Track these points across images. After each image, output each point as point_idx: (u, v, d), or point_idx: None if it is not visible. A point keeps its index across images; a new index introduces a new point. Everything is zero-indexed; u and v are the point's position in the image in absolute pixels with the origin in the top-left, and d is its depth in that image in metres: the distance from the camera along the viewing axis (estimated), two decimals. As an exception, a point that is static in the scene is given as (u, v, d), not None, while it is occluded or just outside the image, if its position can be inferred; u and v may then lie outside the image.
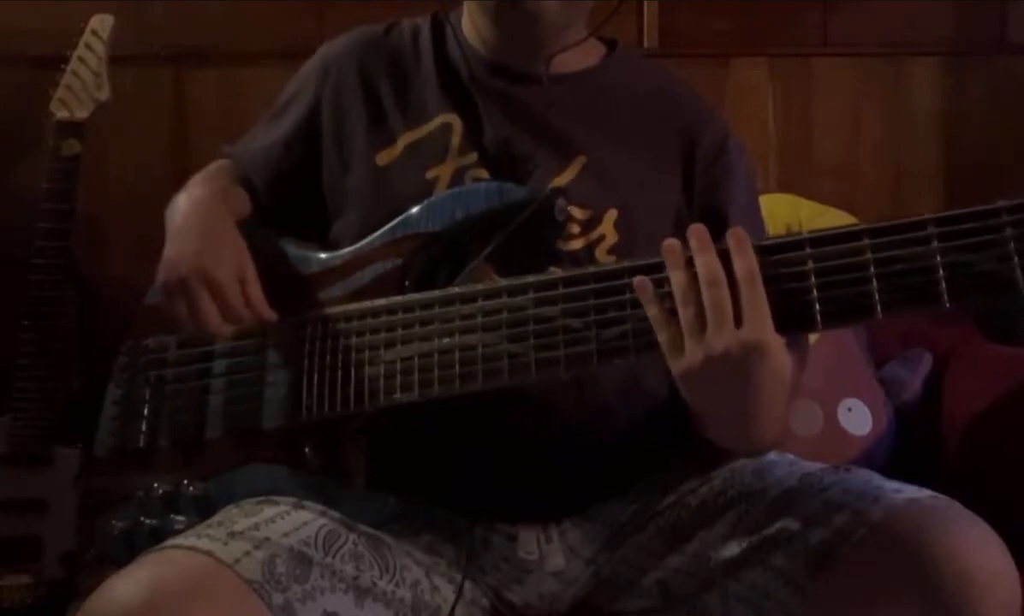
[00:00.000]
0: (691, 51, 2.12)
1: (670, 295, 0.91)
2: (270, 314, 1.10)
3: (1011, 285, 0.83)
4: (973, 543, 0.89)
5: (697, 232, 0.91)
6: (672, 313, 0.90)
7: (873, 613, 0.91)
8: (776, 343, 0.89)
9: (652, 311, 0.91)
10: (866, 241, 0.87)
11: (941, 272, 0.85)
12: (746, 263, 0.88)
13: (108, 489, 1.18)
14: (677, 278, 0.90)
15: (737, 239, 0.89)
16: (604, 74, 1.24)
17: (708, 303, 0.88)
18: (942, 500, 0.95)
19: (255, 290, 1.10)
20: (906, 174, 2.19)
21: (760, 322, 0.88)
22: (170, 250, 1.10)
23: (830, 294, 0.88)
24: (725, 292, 0.88)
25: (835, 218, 1.95)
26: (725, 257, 0.89)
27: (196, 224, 1.12)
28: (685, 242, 0.92)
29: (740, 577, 1.03)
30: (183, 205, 1.15)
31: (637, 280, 0.92)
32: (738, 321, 0.88)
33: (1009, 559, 0.90)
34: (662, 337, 0.91)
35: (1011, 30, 2.16)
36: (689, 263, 0.90)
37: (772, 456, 1.13)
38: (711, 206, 1.19)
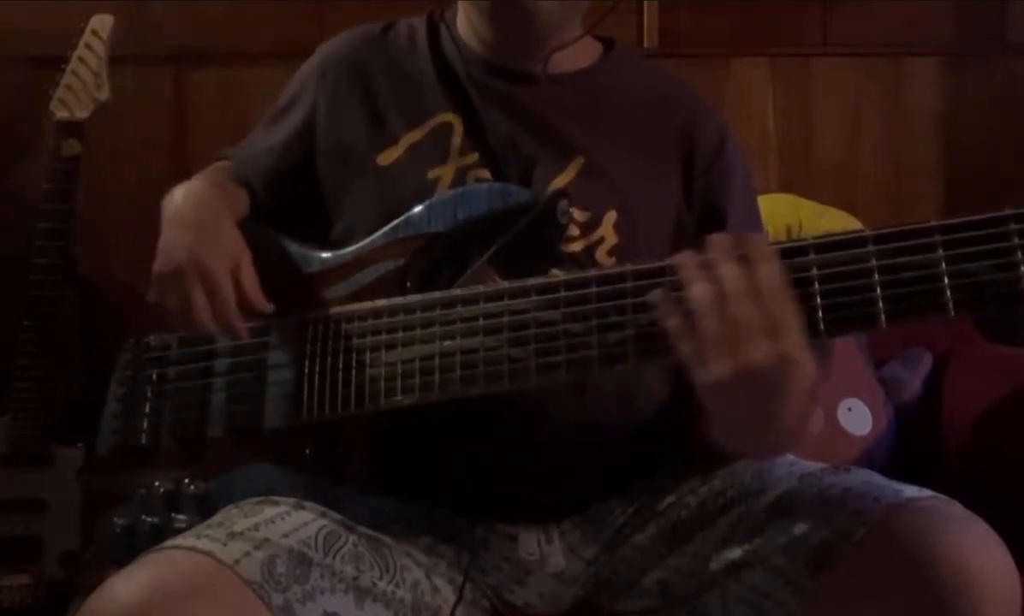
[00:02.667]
0: (691, 51, 2.13)
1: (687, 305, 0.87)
2: (264, 304, 1.09)
3: (1018, 295, 0.82)
4: (973, 543, 0.89)
5: (716, 243, 0.88)
6: (693, 326, 0.87)
7: (873, 613, 0.91)
8: (807, 356, 0.86)
9: (673, 323, 0.88)
10: (871, 248, 0.86)
11: (947, 281, 0.83)
12: (773, 272, 0.86)
13: (109, 487, 1.18)
14: (699, 291, 0.87)
15: (755, 249, 0.86)
16: (602, 74, 1.24)
17: (737, 317, 0.85)
18: (942, 500, 0.95)
19: (250, 279, 1.09)
20: (906, 174, 2.19)
21: (793, 335, 0.85)
22: (165, 240, 1.10)
23: (834, 302, 0.87)
24: (753, 305, 0.85)
25: (835, 218, 1.96)
26: (743, 264, 0.86)
27: (191, 213, 1.12)
28: (681, 248, 0.90)
29: (740, 577, 1.03)
30: (179, 196, 1.14)
31: (655, 297, 0.89)
32: (768, 334, 0.85)
33: (1009, 559, 0.90)
34: (685, 350, 0.87)
35: (1011, 30, 2.16)
36: (704, 274, 0.87)
37: (772, 456, 1.13)
38: (710, 206, 1.19)
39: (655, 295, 0.90)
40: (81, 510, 1.74)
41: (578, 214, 1.13)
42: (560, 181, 1.15)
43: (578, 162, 1.17)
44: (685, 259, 0.89)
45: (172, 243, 1.09)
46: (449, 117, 1.19)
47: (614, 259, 1.13)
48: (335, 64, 1.24)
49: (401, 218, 1.12)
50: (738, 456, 1.10)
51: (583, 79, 1.23)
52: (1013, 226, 0.83)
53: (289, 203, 1.23)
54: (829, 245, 0.88)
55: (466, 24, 1.24)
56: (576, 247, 1.13)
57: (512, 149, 1.16)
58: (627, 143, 1.19)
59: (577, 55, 1.22)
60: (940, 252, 0.84)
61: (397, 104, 1.21)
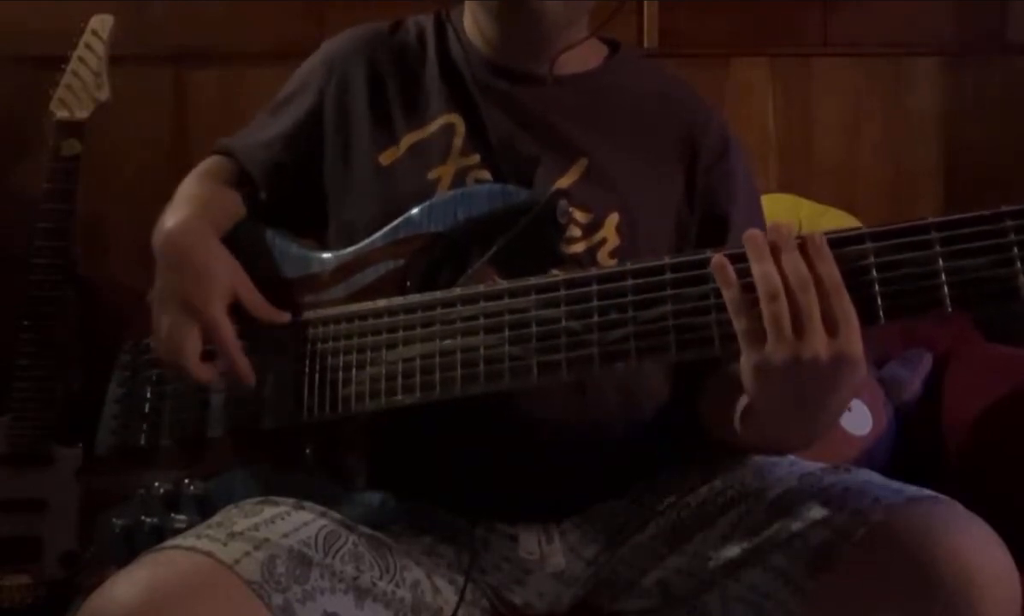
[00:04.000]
0: (691, 51, 2.13)
1: (750, 285, 0.87)
2: (280, 316, 1.10)
3: (1014, 291, 0.82)
4: (973, 543, 0.89)
5: (780, 230, 0.88)
6: (753, 302, 0.87)
7: (873, 613, 0.91)
8: (862, 356, 0.86)
9: (731, 295, 0.87)
10: (868, 245, 0.86)
11: (944, 277, 0.84)
12: (831, 270, 0.85)
13: (109, 488, 1.18)
14: (763, 270, 0.86)
15: (815, 244, 0.86)
16: (606, 76, 1.24)
17: (800, 305, 0.85)
18: (942, 500, 0.95)
19: (252, 299, 1.09)
20: (906, 174, 2.19)
21: (854, 334, 0.85)
22: (158, 287, 1.10)
23: None
24: (815, 297, 0.85)
25: (835, 218, 1.95)
26: (805, 255, 0.86)
27: (179, 252, 1.11)
28: (683, 250, 0.90)
29: (740, 577, 1.03)
30: (168, 231, 1.13)
31: (716, 260, 0.89)
32: (829, 329, 0.85)
33: (1009, 559, 0.90)
34: (740, 325, 0.87)
35: (1011, 30, 2.16)
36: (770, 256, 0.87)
37: (772, 456, 1.13)
38: (713, 208, 1.19)
39: (716, 260, 0.89)
40: (81, 510, 1.74)
41: (580, 216, 1.13)
42: (563, 183, 1.15)
43: (581, 164, 1.17)
44: (755, 235, 0.88)
45: (167, 287, 1.09)
46: (452, 118, 1.19)
47: (616, 261, 1.12)
48: (342, 60, 1.24)
49: (401, 218, 1.11)
50: (761, 448, 1.10)
51: (587, 81, 1.23)
52: (1009, 223, 0.83)
53: (288, 197, 1.23)
54: (827, 243, 0.88)
55: (472, 24, 1.24)
56: (578, 248, 1.13)
57: (514, 150, 1.16)
58: (629, 145, 1.19)
59: (582, 57, 1.22)
60: (937, 249, 0.84)
61: (401, 104, 1.21)
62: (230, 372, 1.07)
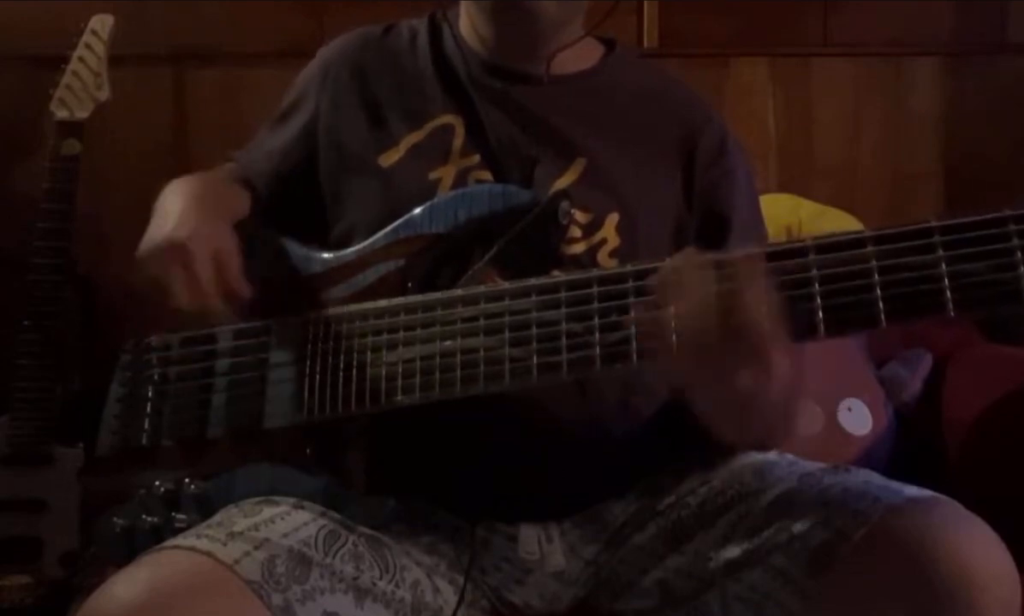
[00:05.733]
0: (691, 51, 2.13)
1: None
2: (244, 288, 1.07)
3: (1017, 295, 0.82)
4: (973, 543, 0.89)
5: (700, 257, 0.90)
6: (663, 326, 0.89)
7: (873, 613, 0.91)
8: (781, 372, 0.88)
9: (642, 319, 0.91)
10: (870, 248, 0.86)
11: (946, 281, 0.83)
12: (758, 299, 0.86)
13: (110, 488, 1.18)
14: (672, 297, 0.89)
15: (747, 268, 0.87)
16: (603, 75, 1.24)
17: (710, 333, 0.86)
18: (942, 500, 0.94)
19: (232, 267, 1.07)
20: (906, 174, 2.19)
21: (766, 366, 0.87)
22: (150, 228, 1.10)
23: (833, 302, 0.87)
24: (729, 327, 0.86)
25: (835, 218, 1.95)
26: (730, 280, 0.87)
27: (178, 205, 1.11)
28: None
29: (740, 577, 1.03)
30: (170, 189, 1.15)
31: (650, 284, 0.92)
32: (742, 357, 0.86)
33: (1009, 559, 0.90)
34: (649, 345, 0.91)
35: (1011, 30, 2.16)
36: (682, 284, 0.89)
37: (772, 456, 1.13)
38: (712, 208, 1.19)
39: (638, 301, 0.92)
40: (81, 510, 1.74)
41: (580, 216, 1.13)
42: (562, 183, 1.15)
43: (580, 164, 1.17)
44: (666, 268, 0.91)
45: (155, 228, 1.09)
46: (450, 118, 1.19)
47: (616, 262, 1.13)
48: (336, 66, 1.24)
49: (402, 219, 1.12)
50: (731, 444, 1.12)
51: (584, 81, 1.23)
52: (1013, 227, 0.82)
53: (291, 205, 1.24)
54: (829, 246, 0.88)
55: (468, 24, 1.24)
56: (578, 249, 1.13)
57: (513, 150, 1.17)
58: (628, 144, 1.19)
59: (578, 56, 1.22)
60: (940, 253, 0.84)
61: (398, 105, 1.21)
62: (201, 301, 1.05)
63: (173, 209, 1.10)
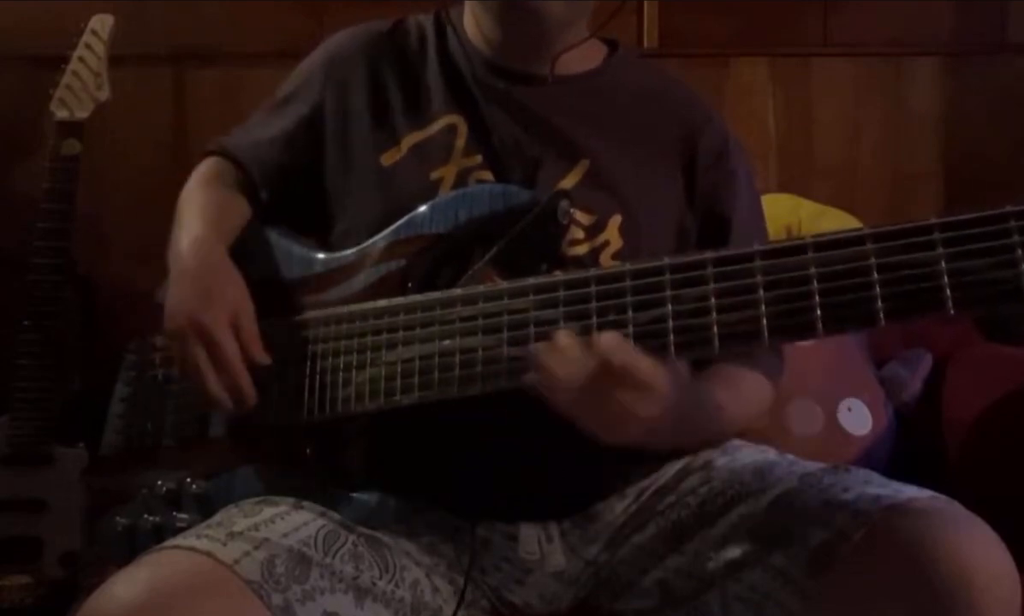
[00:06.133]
0: (691, 51, 2.13)
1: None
2: (263, 357, 1.08)
3: (1017, 293, 0.81)
4: (973, 543, 0.89)
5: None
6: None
7: (873, 613, 0.91)
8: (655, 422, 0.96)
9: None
10: (869, 246, 0.86)
11: (946, 279, 0.83)
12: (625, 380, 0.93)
13: (111, 487, 1.18)
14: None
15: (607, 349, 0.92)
16: (606, 76, 1.24)
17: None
18: (942, 500, 0.95)
19: (248, 332, 1.07)
20: (906, 174, 2.19)
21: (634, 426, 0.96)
22: (170, 300, 1.09)
23: (832, 300, 0.86)
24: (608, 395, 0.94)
25: (835, 218, 1.95)
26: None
27: (193, 268, 1.10)
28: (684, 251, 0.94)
29: (740, 577, 1.03)
30: (184, 247, 1.12)
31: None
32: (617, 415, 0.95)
33: (1009, 559, 0.90)
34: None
35: (1011, 30, 2.16)
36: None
37: (772, 456, 1.13)
38: (713, 209, 1.19)
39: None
40: (83, 510, 1.74)
41: (583, 217, 1.13)
42: (565, 184, 1.15)
43: (583, 165, 1.17)
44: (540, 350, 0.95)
45: (177, 301, 1.08)
46: (453, 119, 1.19)
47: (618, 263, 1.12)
48: (342, 61, 1.23)
49: (403, 219, 1.11)
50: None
51: (587, 81, 1.23)
52: (1013, 223, 0.82)
53: (289, 197, 1.23)
54: (828, 244, 0.88)
55: (473, 24, 1.24)
56: (581, 250, 1.13)
57: (516, 151, 1.16)
58: (630, 145, 1.19)
59: (582, 57, 1.22)
60: (940, 250, 0.83)
61: (402, 104, 1.20)
62: (232, 389, 1.06)
63: (188, 276, 1.09)
